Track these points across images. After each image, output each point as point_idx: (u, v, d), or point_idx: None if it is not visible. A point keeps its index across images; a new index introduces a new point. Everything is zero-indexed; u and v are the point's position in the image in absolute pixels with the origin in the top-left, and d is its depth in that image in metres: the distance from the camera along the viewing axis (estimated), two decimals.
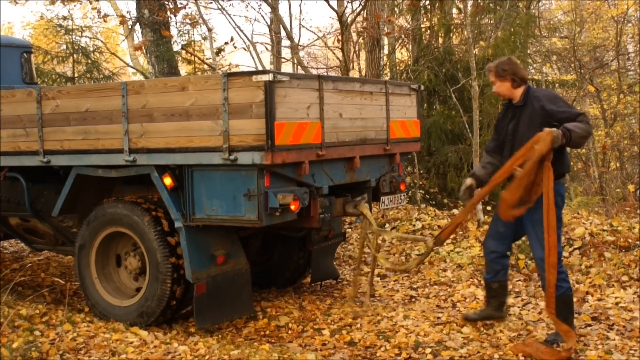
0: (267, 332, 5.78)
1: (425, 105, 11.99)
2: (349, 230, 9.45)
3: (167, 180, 5.42)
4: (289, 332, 5.78)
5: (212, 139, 5.08)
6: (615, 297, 6.13)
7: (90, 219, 5.91)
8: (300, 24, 14.49)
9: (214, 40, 13.30)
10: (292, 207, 5.07)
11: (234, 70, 13.44)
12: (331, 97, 5.48)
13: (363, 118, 5.87)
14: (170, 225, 5.52)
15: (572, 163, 15.05)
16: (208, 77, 5.63)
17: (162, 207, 5.59)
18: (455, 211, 9.85)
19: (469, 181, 5.42)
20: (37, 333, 5.10)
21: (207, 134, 5.11)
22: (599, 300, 6.14)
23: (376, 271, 7.67)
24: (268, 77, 4.84)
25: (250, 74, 4.98)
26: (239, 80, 4.97)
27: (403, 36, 12.68)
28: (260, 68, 12.11)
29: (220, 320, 5.68)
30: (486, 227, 8.44)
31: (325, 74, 15.97)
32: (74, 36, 13.17)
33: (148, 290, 5.61)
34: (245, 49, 12.47)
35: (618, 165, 14.21)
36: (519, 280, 6.98)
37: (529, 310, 5.97)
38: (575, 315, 5.71)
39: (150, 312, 5.61)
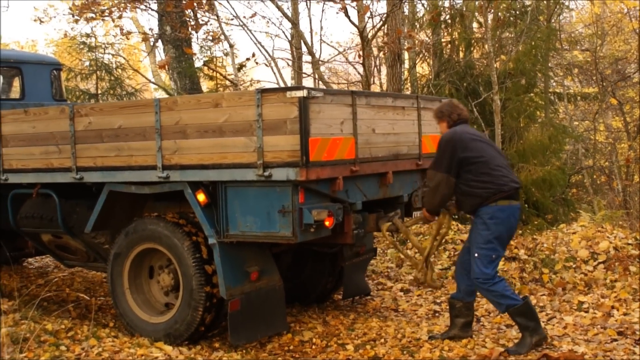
0: (291, 347, 5.76)
1: None
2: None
3: (201, 197, 5.40)
4: (313, 347, 5.75)
5: (246, 155, 5.07)
6: None
7: (130, 231, 5.85)
8: (321, 39, 14.56)
9: (236, 57, 13.39)
10: (327, 223, 5.06)
11: (255, 86, 13.50)
12: (364, 112, 5.48)
13: (395, 133, 5.87)
14: (209, 253, 5.45)
15: (594, 176, 15.02)
16: (242, 93, 5.63)
17: (203, 232, 5.51)
18: None
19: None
20: (62, 348, 5.10)
21: (241, 150, 5.10)
22: (625, 314, 6.06)
23: (399, 285, 7.66)
24: (302, 93, 4.83)
25: (284, 90, 5.00)
26: (273, 96, 4.97)
27: (424, 51, 12.70)
28: (281, 84, 12.14)
29: (255, 337, 5.62)
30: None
31: (347, 89, 16.01)
32: (97, 53, 13.31)
33: (178, 314, 5.57)
34: (266, 65, 12.53)
35: None
36: (543, 294, 6.91)
37: (553, 325, 5.90)
38: (601, 330, 5.66)
39: (178, 335, 5.56)
